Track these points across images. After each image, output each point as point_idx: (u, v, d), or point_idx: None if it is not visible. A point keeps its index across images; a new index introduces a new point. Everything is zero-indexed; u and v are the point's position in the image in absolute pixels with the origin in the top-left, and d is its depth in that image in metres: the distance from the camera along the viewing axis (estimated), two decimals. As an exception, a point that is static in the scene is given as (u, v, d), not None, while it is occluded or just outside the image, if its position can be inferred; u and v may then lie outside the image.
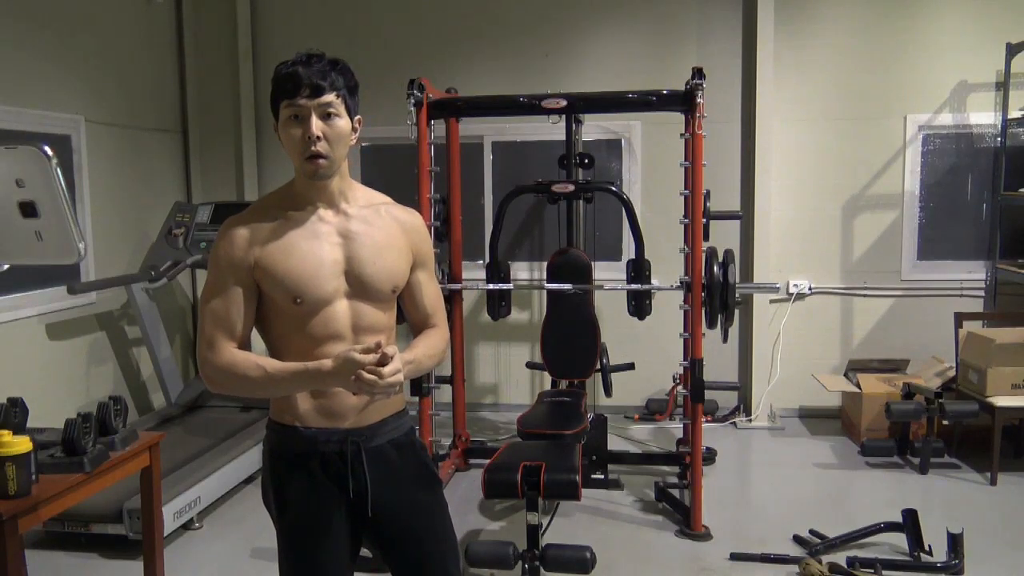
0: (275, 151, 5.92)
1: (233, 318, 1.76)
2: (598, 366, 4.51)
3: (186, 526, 3.82)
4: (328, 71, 1.72)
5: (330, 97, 1.71)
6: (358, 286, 1.80)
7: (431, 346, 1.91)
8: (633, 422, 5.53)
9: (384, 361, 1.64)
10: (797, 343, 5.55)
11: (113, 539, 3.56)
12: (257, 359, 1.74)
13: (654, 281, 4.14)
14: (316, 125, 1.70)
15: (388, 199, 1.93)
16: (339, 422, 1.82)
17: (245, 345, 1.79)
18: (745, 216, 5.39)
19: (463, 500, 4.15)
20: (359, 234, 1.81)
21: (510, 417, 5.24)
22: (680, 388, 4.18)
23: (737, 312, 4.94)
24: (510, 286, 4.39)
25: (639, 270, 4.09)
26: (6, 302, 4.27)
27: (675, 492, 4.09)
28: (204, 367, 1.76)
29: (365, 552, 1.97)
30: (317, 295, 1.76)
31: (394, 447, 1.89)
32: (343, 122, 1.75)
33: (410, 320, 1.98)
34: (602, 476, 4.23)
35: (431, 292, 1.96)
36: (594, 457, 4.24)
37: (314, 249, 1.77)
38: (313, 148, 1.71)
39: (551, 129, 4.73)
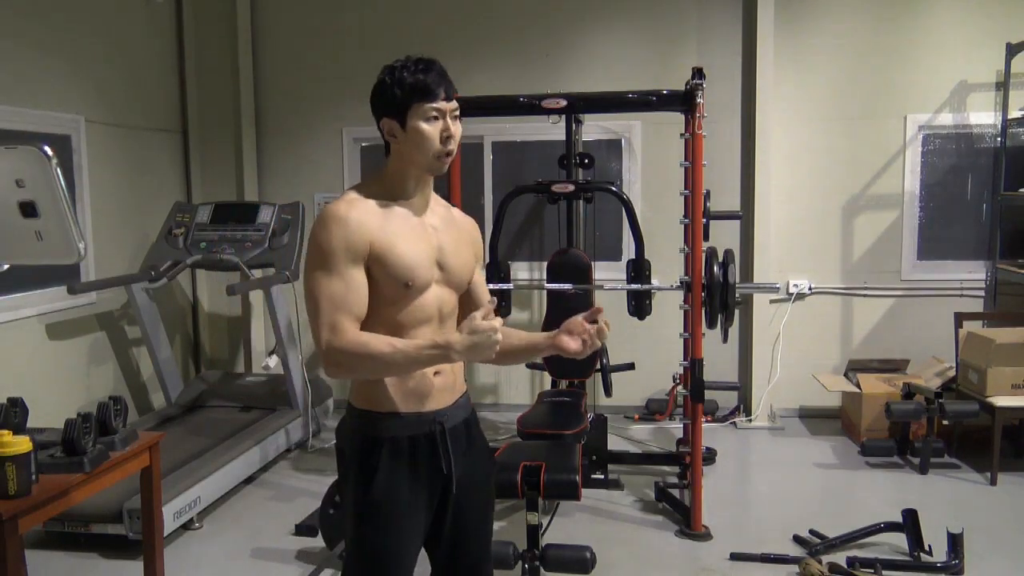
0: (275, 151, 5.90)
1: (352, 300, 1.77)
2: (598, 366, 4.51)
3: (186, 526, 3.83)
4: (447, 77, 1.84)
5: (456, 102, 1.86)
6: (447, 275, 1.92)
7: None
8: (633, 422, 5.53)
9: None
10: (797, 343, 5.55)
11: (113, 539, 3.56)
12: (385, 337, 1.76)
13: (654, 281, 4.14)
14: (453, 126, 1.84)
15: (445, 201, 2.04)
16: (428, 404, 1.90)
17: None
18: (745, 216, 5.39)
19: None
20: (443, 229, 1.94)
21: (510, 417, 5.23)
22: (680, 388, 4.19)
23: (737, 312, 4.94)
24: (510, 286, 4.39)
25: (639, 270, 4.09)
26: (6, 302, 4.27)
27: (675, 492, 4.09)
28: (330, 352, 1.74)
29: None
30: (423, 281, 1.86)
31: (465, 425, 1.99)
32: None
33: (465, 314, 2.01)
34: (602, 476, 4.23)
35: (486, 289, 2.11)
36: (594, 457, 4.24)
37: (419, 237, 1.87)
38: (451, 146, 1.84)
39: (551, 129, 4.73)
